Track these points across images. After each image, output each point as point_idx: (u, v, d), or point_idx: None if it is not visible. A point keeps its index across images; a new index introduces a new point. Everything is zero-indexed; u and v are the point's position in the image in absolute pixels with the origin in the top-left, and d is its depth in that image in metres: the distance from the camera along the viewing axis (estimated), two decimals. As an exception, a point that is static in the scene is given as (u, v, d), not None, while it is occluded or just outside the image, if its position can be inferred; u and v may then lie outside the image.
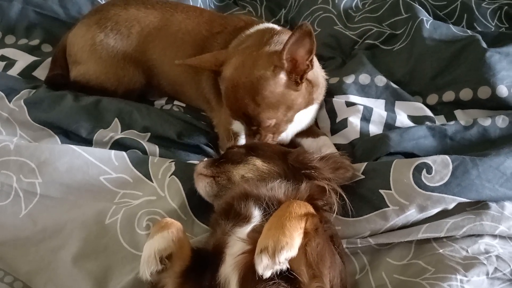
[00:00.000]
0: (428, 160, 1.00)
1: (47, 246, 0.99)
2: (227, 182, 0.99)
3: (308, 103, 1.24)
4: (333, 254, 0.76)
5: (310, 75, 1.17)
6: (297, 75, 1.12)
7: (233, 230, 0.83)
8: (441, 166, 0.99)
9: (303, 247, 0.71)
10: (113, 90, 1.45)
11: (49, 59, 1.57)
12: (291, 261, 0.70)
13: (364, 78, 1.38)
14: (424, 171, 0.99)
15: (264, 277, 0.69)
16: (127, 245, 0.99)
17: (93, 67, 1.45)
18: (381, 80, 1.38)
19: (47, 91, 1.40)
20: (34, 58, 1.60)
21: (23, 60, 1.58)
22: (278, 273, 0.70)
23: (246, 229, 0.82)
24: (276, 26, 1.34)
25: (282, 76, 1.11)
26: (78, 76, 1.46)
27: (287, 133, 1.31)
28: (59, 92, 1.38)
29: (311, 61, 1.12)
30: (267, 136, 1.18)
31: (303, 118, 1.30)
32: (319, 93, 1.29)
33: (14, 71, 1.53)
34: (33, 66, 1.57)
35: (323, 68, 1.42)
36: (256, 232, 0.79)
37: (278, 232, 0.70)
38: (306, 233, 0.73)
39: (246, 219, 0.84)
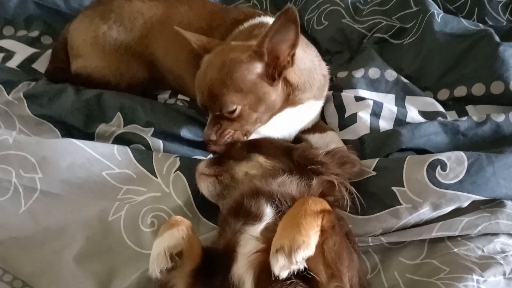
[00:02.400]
0: (443, 156, 0.97)
1: (50, 246, 0.96)
2: (231, 180, 0.97)
3: (288, 105, 1.14)
4: (350, 252, 0.73)
5: (291, 76, 1.09)
6: (275, 70, 1.04)
7: (244, 228, 0.80)
8: (456, 163, 0.96)
9: (320, 246, 0.69)
10: (115, 84, 1.41)
11: (49, 51, 1.54)
12: (308, 260, 0.67)
13: (373, 73, 1.34)
14: (438, 168, 0.96)
15: (281, 278, 0.66)
16: (131, 243, 0.96)
17: (95, 60, 1.41)
18: (391, 74, 1.34)
19: (48, 84, 1.36)
20: (34, 50, 1.56)
21: (22, 52, 1.54)
22: (295, 272, 0.67)
23: (259, 227, 0.80)
24: (270, 20, 1.25)
25: (258, 65, 1.03)
26: (79, 69, 1.42)
27: (290, 132, 1.26)
28: (60, 85, 1.34)
29: (293, 57, 1.04)
30: (227, 130, 1.07)
31: (304, 115, 1.24)
32: (309, 95, 1.17)
33: (13, 63, 1.50)
34: (32, 59, 1.53)
35: (330, 62, 1.39)
36: (270, 231, 0.77)
37: (294, 230, 0.68)
38: (323, 231, 0.70)
39: (258, 217, 0.81)
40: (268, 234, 0.77)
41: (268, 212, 0.82)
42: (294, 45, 1.02)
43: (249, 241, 0.77)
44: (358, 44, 1.54)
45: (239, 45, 1.11)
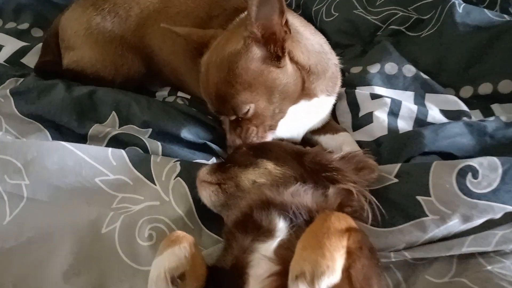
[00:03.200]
0: (474, 162, 0.87)
1: (34, 259, 0.86)
2: (236, 189, 0.87)
3: (303, 96, 1.06)
4: (379, 276, 0.64)
5: (299, 55, 1.01)
6: (276, 47, 0.96)
7: (254, 245, 0.71)
8: (489, 169, 0.86)
9: (346, 270, 0.59)
10: (110, 80, 1.31)
11: (40, 44, 1.45)
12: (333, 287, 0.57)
13: (390, 68, 1.24)
14: (469, 175, 0.86)
15: None
16: (126, 258, 0.86)
17: (89, 53, 1.31)
18: (409, 70, 1.24)
19: (37, 80, 1.27)
20: (23, 44, 1.47)
21: (10, 45, 1.46)
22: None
23: (271, 245, 0.70)
24: None
25: (256, 50, 0.95)
26: (72, 64, 1.33)
27: (298, 131, 1.17)
28: (50, 81, 1.24)
29: (287, 24, 0.95)
30: (250, 130, 1.01)
31: (315, 113, 1.16)
32: (323, 84, 1.10)
33: (0, 58, 1.39)
34: (21, 52, 1.45)
35: (341, 57, 1.28)
36: (284, 249, 0.68)
37: (316, 253, 0.58)
38: (349, 253, 0.61)
39: (270, 232, 0.72)
40: (283, 253, 0.68)
41: (282, 227, 0.73)
42: (282, 11, 0.93)
43: (261, 262, 0.68)
44: (371, 36, 1.43)
45: (233, 32, 1.01)
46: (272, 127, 1.05)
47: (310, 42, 1.07)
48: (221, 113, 1.04)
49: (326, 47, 1.16)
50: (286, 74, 0.99)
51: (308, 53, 1.04)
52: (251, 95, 0.95)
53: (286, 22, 0.95)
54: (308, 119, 1.17)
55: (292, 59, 1.01)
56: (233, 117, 1.00)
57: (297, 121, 1.14)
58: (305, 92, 1.07)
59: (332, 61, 1.14)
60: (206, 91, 1.02)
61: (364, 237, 0.69)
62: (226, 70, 0.95)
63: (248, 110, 0.97)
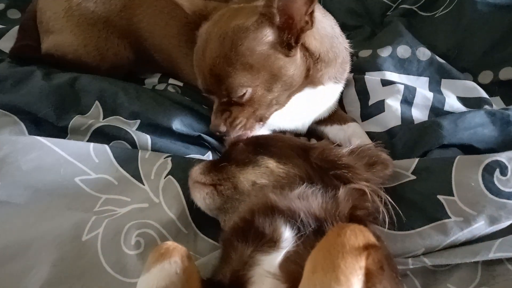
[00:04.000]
0: (502, 157, 0.79)
1: (9, 271, 0.76)
2: (233, 191, 0.77)
3: (307, 84, 0.96)
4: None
5: (311, 41, 0.90)
6: (290, 35, 0.85)
7: (256, 257, 0.63)
8: (519, 165, 0.77)
9: None
10: (95, 66, 1.20)
11: (16, 27, 1.32)
12: None
13: (403, 51, 1.13)
14: (497, 172, 0.78)
15: None
16: (110, 269, 0.77)
17: (70, 37, 1.19)
18: (424, 53, 1.14)
19: (12, 66, 1.15)
20: (-1, 27, 1.34)
21: (-16, 29, 1.32)
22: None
23: (276, 257, 0.61)
24: None
25: (268, 32, 0.84)
26: (51, 49, 1.21)
27: (303, 122, 1.07)
28: (27, 68, 1.13)
29: (312, 15, 0.84)
30: (239, 119, 0.91)
31: (321, 101, 1.06)
32: (332, 71, 1.00)
33: (-28, 42, 1.27)
34: (-4, 36, 1.31)
35: (347, 39, 1.17)
36: (291, 263, 0.60)
37: (329, 276, 0.49)
38: (368, 274, 0.51)
39: (274, 242, 0.63)
40: (291, 268, 0.59)
41: (287, 236, 0.64)
42: (312, 0, 0.81)
43: (265, 279, 0.59)
44: (380, 17, 1.33)
45: (243, 7, 0.90)
46: (263, 119, 0.95)
47: (322, 25, 0.95)
48: (212, 93, 0.92)
49: (337, 29, 1.05)
50: (294, 64, 0.89)
51: (321, 38, 0.93)
52: (250, 78, 0.85)
53: (312, 12, 0.83)
54: (313, 108, 1.07)
55: (302, 45, 0.90)
56: (224, 99, 0.89)
57: (300, 110, 1.04)
58: (310, 79, 0.96)
59: (342, 45, 1.04)
60: (200, 65, 0.90)
61: (385, 253, 0.60)
62: (229, 45, 0.84)
63: (244, 94, 0.87)
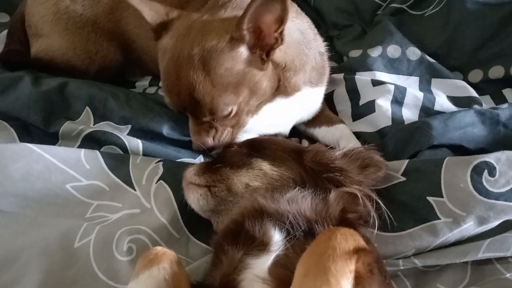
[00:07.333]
0: (490, 158, 0.79)
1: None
2: (227, 193, 0.78)
3: (279, 94, 0.97)
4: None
5: (275, 52, 0.89)
6: (261, 51, 0.86)
7: (246, 261, 0.63)
8: (507, 165, 0.78)
9: None
10: (83, 70, 1.19)
11: (5, 31, 1.30)
12: None
13: (393, 51, 1.14)
14: (485, 173, 0.78)
15: None
16: (103, 275, 0.76)
17: (58, 41, 1.19)
18: (414, 52, 1.14)
19: (0, 72, 1.13)
20: (-15, 31, 1.32)
21: (-29, 33, 1.30)
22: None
23: (266, 261, 0.62)
24: None
25: (242, 50, 0.85)
26: (40, 52, 1.20)
27: (284, 127, 1.07)
28: (15, 74, 1.12)
29: (281, 33, 0.84)
30: (226, 132, 0.92)
31: (300, 106, 1.05)
32: (305, 77, 0.99)
33: (-41, 47, 1.26)
34: (-16, 41, 1.29)
35: (338, 38, 1.17)
36: (281, 266, 0.60)
37: (319, 279, 0.49)
38: (358, 278, 0.52)
39: (264, 245, 0.64)
40: (280, 272, 0.59)
41: (277, 239, 0.65)
42: (282, 20, 0.81)
43: (254, 284, 0.59)
44: (371, 16, 1.33)
45: (209, 22, 0.88)
46: (242, 126, 0.96)
47: (288, 32, 0.92)
48: (191, 114, 0.92)
49: (310, 33, 1.02)
50: (267, 77, 0.91)
51: (286, 47, 0.91)
52: (233, 97, 0.86)
53: (282, 31, 0.84)
54: (292, 113, 1.06)
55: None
56: (205, 118, 0.89)
57: (280, 117, 1.04)
58: (281, 90, 0.96)
59: (314, 50, 1.01)
60: (173, 86, 0.88)
61: (375, 257, 0.60)
62: (208, 69, 0.83)
63: (230, 112, 0.88)
